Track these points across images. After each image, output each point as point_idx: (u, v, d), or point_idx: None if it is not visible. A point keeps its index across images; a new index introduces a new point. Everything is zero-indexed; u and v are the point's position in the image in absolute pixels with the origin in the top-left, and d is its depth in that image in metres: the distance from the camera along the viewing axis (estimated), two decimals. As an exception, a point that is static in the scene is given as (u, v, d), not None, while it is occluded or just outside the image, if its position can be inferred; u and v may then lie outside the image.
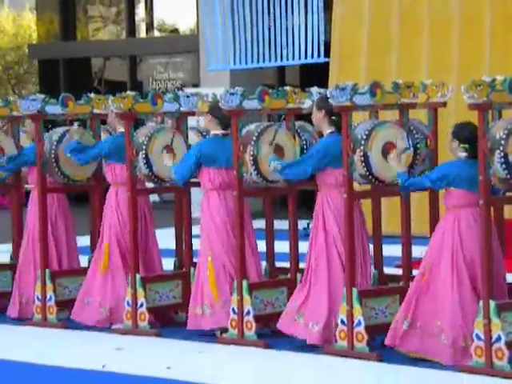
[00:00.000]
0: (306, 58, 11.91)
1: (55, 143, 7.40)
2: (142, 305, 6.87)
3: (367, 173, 6.06)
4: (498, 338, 5.46)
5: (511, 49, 10.70)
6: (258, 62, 12.41)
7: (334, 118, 6.22)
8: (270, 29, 12.16)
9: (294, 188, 6.68)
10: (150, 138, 6.93)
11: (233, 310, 6.41)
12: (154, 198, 13.72)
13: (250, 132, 6.53)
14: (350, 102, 5.99)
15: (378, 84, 6.12)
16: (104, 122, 7.55)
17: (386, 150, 6.08)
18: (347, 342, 5.98)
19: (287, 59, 12.12)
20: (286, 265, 6.79)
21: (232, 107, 6.40)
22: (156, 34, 17.33)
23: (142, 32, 17.35)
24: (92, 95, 7.58)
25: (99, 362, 6.08)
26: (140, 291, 6.88)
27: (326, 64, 11.99)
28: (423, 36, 11.28)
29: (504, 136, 5.54)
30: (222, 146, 6.62)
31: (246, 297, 6.37)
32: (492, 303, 5.49)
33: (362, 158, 6.01)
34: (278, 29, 12.06)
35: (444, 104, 6.31)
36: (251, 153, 6.45)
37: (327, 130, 6.29)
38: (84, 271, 7.32)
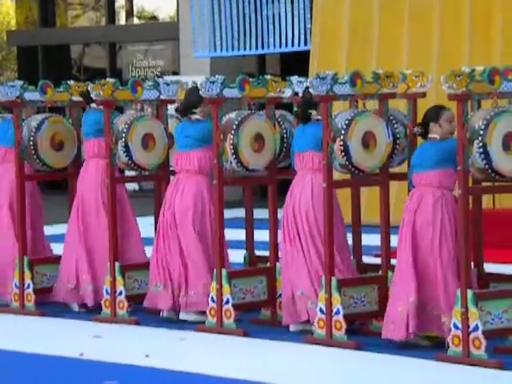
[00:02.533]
0: (292, 45, 11.89)
1: (34, 130, 7.36)
2: (120, 293, 6.86)
3: (347, 162, 6.07)
4: (476, 328, 5.49)
5: (491, 39, 10.74)
6: (244, 49, 12.38)
7: (295, 109, 6.26)
8: (255, 16, 12.13)
9: (274, 177, 6.68)
10: (130, 125, 6.90)
11: (212, 298, 6.41)
12: (133, 186, 13.72)
13: (230, 120, 6.53)
14: (330, 92, 6.00)
15: (359, 74, 6.13)
16: (84, 109, 7.52)
17: (366, 139, 6.10)
18: (325, 331, 6.00)
19: (274, 47, 12.09)
20: (266, 253, 6.79)
21: (212, 95, 6.39)
22: (136, 21, 17.24)
23: (121, 19, 17.25)
24: (71, 82, 7.55)
25: (77, 350, 6.07)
26: (119, 279, 6.87)
27: (307, 53, 11.98)
28: (403, 26, 11.29)
29: (483, 126, 5.56)
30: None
31: (226, 285, 6.38)
32: (469, 292, 5.52)
33: (342, 148, 6.02)
34: (263, 16, 12.02)
35: (423, 94, 6.33)
36: (231, 141, 6.45)
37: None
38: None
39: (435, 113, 5.94)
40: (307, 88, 6.22)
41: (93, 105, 7.17)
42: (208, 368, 5.68)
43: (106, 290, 6.89)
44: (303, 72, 8.80)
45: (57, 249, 7.69)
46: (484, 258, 6.14)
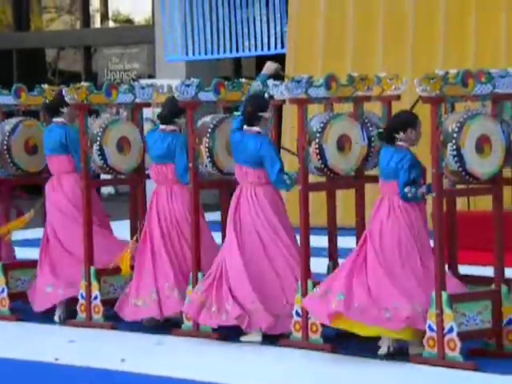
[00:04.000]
0: (268, 49, 11.88)
1: (8, 134, 7.32)
2: (96, 297, 6.83)
3: (322, 165, 6.09)
4: (451, 329, 5.51)
5: (465, 42, 10.81)
6: (218, 53, 12.34)
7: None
8: (230, 20, 12.10)
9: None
10: (105, 129, 6.88)
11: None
12: (108, 189, 13.69)
13: (205, 124, 6.53)
14: (305, 95, 6.01)
15: (334, 77, 6.16)
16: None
17: (342, 142, 6.12)
18: (301, 334, 6.01)
19: (249, 50, 12.07)
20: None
21: (187, 99, 6.39)
22: (111, 24, 17.20)
23: (96, 22, 17.20)
24: (45, 86, 7.51)
25: (52, 355, 6.04)
26: (94, 284, 6.84)
27: (283, 56, 12.00)
28: (378, 29, 11.34)
29: (456, 129, 5.60)
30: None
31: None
32: (444, 294, 5.55)
33: (318, 151, 6.04)
34: (238, 19, 12.00)
35: (398, 97, 6.36)
36: (207, 145, 6.44)
37: None
38: (35, 264, 7.24)
39: (413, 120, 5.85)
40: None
41: (55, 119, 7.11)
42: (185, 372, 5.67)
43: (81, 295, 6.86)
44: (279, 75, 8.81)
45: (32, 253, 7.63)
46: (459, 259, 6.17)
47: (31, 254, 7.66)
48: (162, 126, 6.70)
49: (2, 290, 7.17)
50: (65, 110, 7.02)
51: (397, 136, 5.82)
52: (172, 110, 6.65)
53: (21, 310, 7.24)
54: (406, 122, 5.83)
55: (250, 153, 6.21)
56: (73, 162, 7.04)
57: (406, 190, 5.72)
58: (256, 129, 6.26)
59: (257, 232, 6.20)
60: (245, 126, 6.30)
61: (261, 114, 6.25)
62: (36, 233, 7.86)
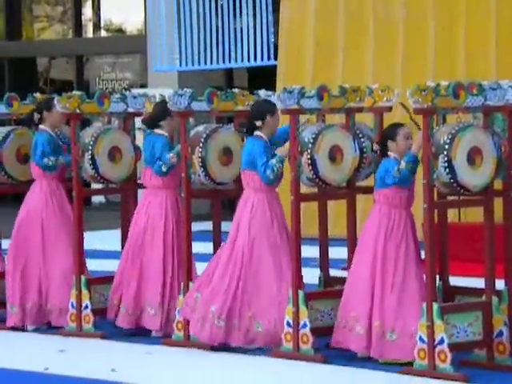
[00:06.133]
0: (255, 60, 11.91)
1: (-2, 143, 7.31)
2: (86, 307, 6.81)
3: (314, 175, 6.10)
4: (441, 341, 5.52)
5: (455, 53, 10.85)
6: (206, 63, 12.37)
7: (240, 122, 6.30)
8: (218, 30, 12.12)
9: (242, 190, 6.68)
10: (97, 138, 6.88)
11: (178, 311, 6.39)
12: (100, 198, 13.65)
13: (198, 133, 6.54)
14: (298, 106, 6.03)
15: (325, 88, 6.17)
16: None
17: (333, 153, 6.14)
18: (292, 344, 6.01)
19: (236, 61, 12.10)
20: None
21: (180, 108, 6.39)
22: (103, 33, 17.20)
23: (88, 32, 17.21)
24: (37, 95, 7.51)
25: (42, 365, 6.01)
26: (85, 293, 6.82)
27: (274, 67, 12.02)
28: (368, 40, 11.38)
29: (448, 141, 5.62)
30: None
31: (181, 298, 6.37)
32: (435, 305, 5.56)
33: (309, 161, 6.05)
34: (226, 30, 12.02)
35: (390, 108, 6.38)
36: (199, 154, 6.45)
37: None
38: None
39: (392, 131, 5.95)
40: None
41: (41, 126, 7.10)
42: (174, 382, 5.65)
43: (72, 304, 6.84)
44: (271, 86, 8.84)
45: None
46: (449, 271, 6.18)
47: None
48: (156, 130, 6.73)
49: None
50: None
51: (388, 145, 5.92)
52: (157, 114, 6.67)
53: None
54: (383, 136, 5.94)
55: (246, 155, 6.24)
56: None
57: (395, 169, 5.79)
58: (258, 133, 6.26)
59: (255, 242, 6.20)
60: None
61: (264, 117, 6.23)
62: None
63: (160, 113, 6.71)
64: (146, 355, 6.24)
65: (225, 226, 7.07)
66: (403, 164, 5.79)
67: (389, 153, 5.94)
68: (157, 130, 6.76)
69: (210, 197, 6.97)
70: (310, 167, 6.05)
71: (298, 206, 6.08)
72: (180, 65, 12.59)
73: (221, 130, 6.59)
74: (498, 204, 5.90)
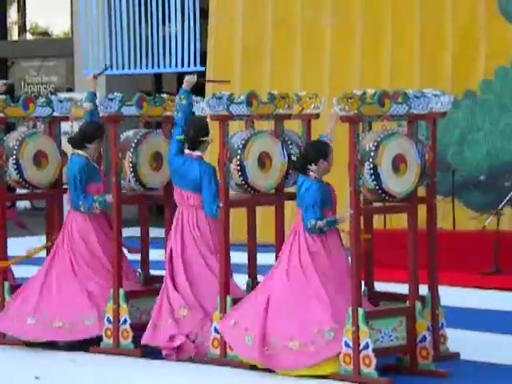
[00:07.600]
0: (182, 66, 11.93)
1: None
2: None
3: (243, 182, 6.13)
4: (366, 346, 5.59)
5: (382, 62, 11.04)
6: (135, 68, 12.35)
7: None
8: (146, 36, 12.11)
9: (171, 197, 6.68)
10: (21, 142, 6.79)
11: (108, 319, 6.34)
12: (25, 204, 13.46)
13: (128, 139, 6.51)
14: (227, 112, 6.06)
15: (255, 94, 6.22)
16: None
17: (262, 159, 6.18)
18: (220, 351, 6.02)
19: (164, 67, 12.11)
20: (161, 273, 6.77)
21: (110, 113, 6.36)
22: (29, 36, 16.98)
23: (14, 35, 16.96)
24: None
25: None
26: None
27: (200, 74, 12.04)
28: (296, 47, 11.50)
29: (373, 148, 5.71)
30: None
31: (123, 305, 6.32)
32: (360, 311, 5.63)
33: (239, 167, 6.08)
34: (154, 36, 12.03)
35: (317, 115, 6.46)
36: (130, 159, 6.43)
37: None
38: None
39: (325, 151, 5.85)
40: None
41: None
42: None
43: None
44: (199, 91, 8.84)
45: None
46: (374, 276, 6.28)
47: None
48: (78, 151, 6.58)
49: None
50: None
51: (309, 167, 5.86)
52: (84, 135, 6.59)
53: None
54: (319, 153, 5.86)
55: (192, 178, 6.19)
56: None
57: (309, 223, 5.74)
58: (198, 153, 6.26)
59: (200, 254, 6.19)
60: (186, 150, 6.27)
61: (203, 138, 6.24)
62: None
63: (90, 134, 6.56)
64: (70, 363, 6.14)
65: (152, 231, 7.05)
66: (323, 224, 5.71)
67: (311, 173, 5.84)
68: (78, 151, 6.63)
69: (139, 202, 6.95)
70: (239, 173, 6.09)
71: (227, 213, 6.10)
72: (111, 69, 12.52)
73: (151, 135, 6.58)
74: (421, 211, 6.01)
